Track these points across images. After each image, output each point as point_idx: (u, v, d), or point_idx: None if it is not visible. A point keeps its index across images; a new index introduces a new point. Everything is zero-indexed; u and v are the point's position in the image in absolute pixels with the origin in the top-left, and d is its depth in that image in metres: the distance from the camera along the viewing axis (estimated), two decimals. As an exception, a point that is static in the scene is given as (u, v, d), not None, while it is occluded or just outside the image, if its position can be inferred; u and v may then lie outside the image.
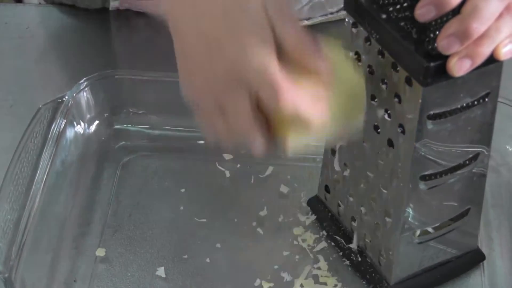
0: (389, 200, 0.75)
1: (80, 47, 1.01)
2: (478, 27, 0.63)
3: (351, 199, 0.80)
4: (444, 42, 0.64)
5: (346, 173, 0.79)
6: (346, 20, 0.73)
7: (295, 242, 0.83)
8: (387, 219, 0.76)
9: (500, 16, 0.64)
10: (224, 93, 0.69)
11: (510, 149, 0.90)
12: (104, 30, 1.04)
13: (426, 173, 0.73)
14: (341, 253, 0.82)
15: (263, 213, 0.86)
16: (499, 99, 0.87)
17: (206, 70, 0.69)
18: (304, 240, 0.83)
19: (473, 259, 0.81)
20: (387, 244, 0.77)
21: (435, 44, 0.66)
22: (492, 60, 0.66)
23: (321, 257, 0.82)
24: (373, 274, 0.79)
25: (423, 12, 0.64)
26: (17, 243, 0.77)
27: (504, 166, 0.90)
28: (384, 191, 0.75)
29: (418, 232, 0.76)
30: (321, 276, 0.80)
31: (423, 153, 0.71)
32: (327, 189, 0.83)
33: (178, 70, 0.72)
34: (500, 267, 0.82)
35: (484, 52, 0.65)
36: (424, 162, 0.72)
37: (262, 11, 0.68)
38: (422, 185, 0.73)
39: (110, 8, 1.03)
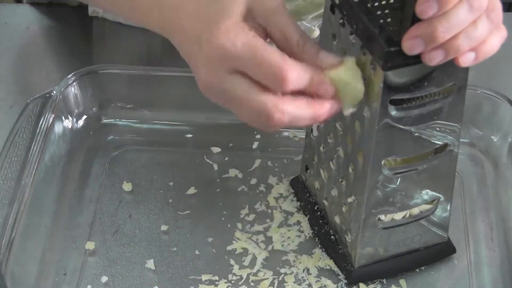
0: (354, 182, 0.76)
1: (76, 44, 1.02)
2: (444, 32, 0.64)
3: (325, 179, 0.81)
4: (409, 43, 0.65)
5: (322, 152, 0.80)
6: (325, 3, 0.74)
7: (284, 233, 0.84)
8: (353, 202, 0.77)
9: (478, 17, 0.65)
10: (218, 84, 0.68)
11: (495, 140, 0.91)
12: (96, 26, 1.05)
13: (389, 158, 0.74)
14: (316, 237, 0.83)
15: (251, 205, 0.86)
16: (486, 91, 0.89)
17: (199, 65, 0.69)
18: (291, 230, 0.84)
19: (442, 251, 0.82)
20: (352, 226, 0.78)
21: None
22: None
23: (306, 244, 0.83)
24: (340, 256, 0.81)
25: (425, 8, 0.64)
26: (7, 238, 0.77)
27: (488, 156, 0.90)
28: (351, 172, 0.76)
29: (384, 217, 0.77)
30: (301, 267, 0.81)
31: (385, 138, 0.72)
32: (307, 169, 0.84)
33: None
34: (484, 264, 0.82)
35: (459, 46, 0.65)
36: (387, 146, 0.73)
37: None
38: (386, 170, 0.74)
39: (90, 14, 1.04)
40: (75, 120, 0.92)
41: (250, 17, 0.68)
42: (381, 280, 0.80)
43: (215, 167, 0.90)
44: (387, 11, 0.69)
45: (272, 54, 0.66)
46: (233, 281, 0.80)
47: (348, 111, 0.70)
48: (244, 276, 0.80)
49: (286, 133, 0.93)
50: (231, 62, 0.67)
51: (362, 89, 0.70)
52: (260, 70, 0.66)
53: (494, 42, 0.67)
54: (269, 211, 0.86)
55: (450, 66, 0.68)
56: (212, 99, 0.70)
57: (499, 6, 0.67)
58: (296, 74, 0.66)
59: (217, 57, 0.67)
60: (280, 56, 0.66)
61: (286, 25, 0.69)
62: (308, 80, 0.67)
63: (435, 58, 0.66)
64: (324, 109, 0.68)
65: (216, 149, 0.91)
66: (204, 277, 0.80)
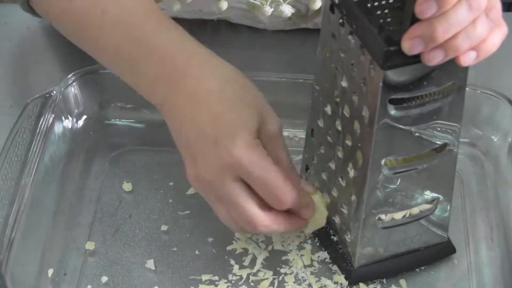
0: (353, 182, 0.76)
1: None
2: (443, 32, 0.64)
3: (324, 178, 0.81)
4: (408, 43, 0.65)
5: (322, 152, 0.80)
6: (325, 2, 0.74)
7: (284, 234, 0.84)
8: (352, 202, 0.77)
9: (478, 16, 0.65)
10: (218, 185, 0.74)
11: (495, 139, 0.91)
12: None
13: (389, 158, 0.74)
14: (316, 237, 0.83)
15: (251, 205, 0.86)
16: (486, 91, 0.89)
17: (206, 162, 0.73)
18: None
19: (442, 251, 0.82)
20: (352, 226, 0.78)
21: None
22: None
23: (306, 244, 0.83)
24: (340, 255, 0.81)
25: (424, 8, 0.64)
26: (7, 238, 0.77)
27: (488, 156, 0.90)
28: (350, 172, 0.76)
29: (384, 217, 0.77)
30: (300, 267, 0.82)
31: (385, 137, 0.72)
32: (307, 169, 0.84)
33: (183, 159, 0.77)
34: (484, 264, 0.83)
35: (458, 45, 0.65)
36: (386, 146, 0.73)
37: (255, 111, 0.74)
38: (385, 170, 0.74)
39: None
40: (75, 120, 0.92)
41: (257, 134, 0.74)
42: (381, 280, 0.80)
43: (215, 167, 0.90)
44: (386, 11, 0.69)
45: (278, 178, 0.74)
46: (233, 281, 0.80)
47: (308, 231, 0.81)
48: (244, 276, 0.80)
49: (286, 133, 0.93)
50: (240, 172, 0.73)
51: (325, 217, 0.80)
52: (266, 189, 0.74)
53: (494, 40, 0.67)
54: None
55: (450, 66, 0.68)
56: (200, 191, 0.76)
57: (498, 4, 0.67)
58: (293, 199, 0.75)
59: (230, 165, 0.72)
60: (284, 181, 0.74)
61: (281, 151, 0.76)
62: (299, 203, 0.76)
63: (434, 58, 0.66)
64: (296, 227, 0.78)
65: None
66: (204, 277, 0.80)
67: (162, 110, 0.77)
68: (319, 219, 0.80)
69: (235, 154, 0.72)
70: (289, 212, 0.77)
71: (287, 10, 0.95)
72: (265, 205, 0.75)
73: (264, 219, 0.75)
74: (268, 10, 0.95)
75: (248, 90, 0.76)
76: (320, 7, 0.95)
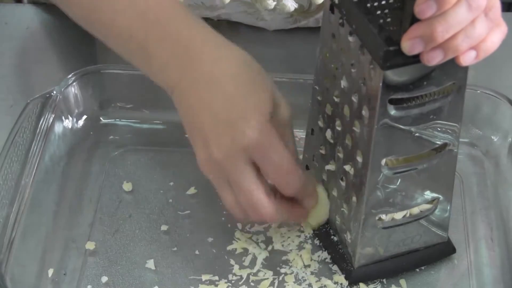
0: (353, 182, 0.76)
1: (76, 44, 1.02)
2: (443, 32, 0.64)
3: (324, 178, 0.81)
4: (408, 43, 0.65)
5: (321, 152, 0.80)
6: (325, 2, 0.75)
7: (284, 233, 0.84)
8: (352, 202, 0.77)
9: (477, 16, 0.65)
10: (229, 167, 0.73)
11: (495, 139, 0.91)
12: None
13: (389, 157, 0.74)
14: (316, 237, 0.83)
15: (251, 205, 0.86)
16: (486, 91, 0.89)
17: (219, 143, 0.73)
18: (291, 230, 0.84)
19: (442, 251, 0.82)
20: (352, 226, 0.78)
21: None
22: None
23: (306, 244, 0.83)
24: (340, 255, 0.81)
25: (423, 8, 0.64)
26: (7, 238, 0.77)
27: (488, 156, 0.91)
28: (350, 172, 0.76)
29: (385, 216, 0.77)
30: (300, 267, 0.81)
31: (385, 137, 0.72)
32: (307, 169, 0.84)
33: (192, 144, 0.76)
34: (484, 264, 0.83)
35: (458, 45, 0.66)
36: (386, 146, 0.73)
37: (269, 96, 0.74)
38: (385, 170, 0.74)
39: None
40: (75, 120, 0.92)
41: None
42: (381, 280, 0.80)
43: (215, 167, 0.90)
44: (386, 11, 0.69)
45: (290, 161, 0.74)
46: (233, 281, 0.80)
47: (313, 224, 0.82)
48: (244, 276, 0.80)
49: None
50: (254, 154, 0.73)
51: (327, 210, 0.81)
52: (277, 171, 0.74)
53: (494, 40, 0.67)
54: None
55: (450, 66, 0.68)
56: (209, 174, 0.76)
57: (497, 4, 0.67)
58: (301, 184, 0.76)
59: (244, 146, 0.72)
60: (295, 165, 0.75)
61: (290, 139, 0.77)
62: (303, 191, 0.77)
63: (434, 58, 0.66)
64: (297, 216, 0.80)
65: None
66: (204, 277, 0.80)
67: (173, 93, 0.76)
68: (322, 211, 0.80)
69: (250, 135, 0.72)
70: (291, 202, 0.78)
71: (290, 4, 0.95)
72: (269, 194, 0.75)
73: (268, 205, 0.75)
74: (271, 3, 0.95)
75: (262, 75, 0.75)
76: (323, 1, 0.94)
